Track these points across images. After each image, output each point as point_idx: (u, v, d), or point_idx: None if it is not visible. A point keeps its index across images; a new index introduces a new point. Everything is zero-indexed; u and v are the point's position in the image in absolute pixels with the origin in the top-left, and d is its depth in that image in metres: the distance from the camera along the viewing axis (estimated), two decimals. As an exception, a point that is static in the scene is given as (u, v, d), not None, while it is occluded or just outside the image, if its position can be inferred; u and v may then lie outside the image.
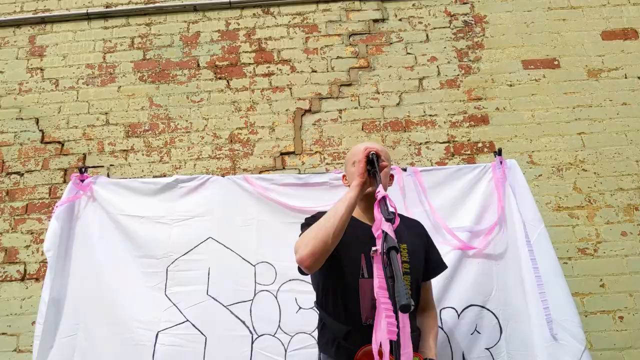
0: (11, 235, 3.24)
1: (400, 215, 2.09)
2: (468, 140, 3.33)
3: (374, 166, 1.88)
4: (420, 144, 3.33)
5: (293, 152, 3.37)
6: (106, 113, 3.51)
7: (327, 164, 3.31)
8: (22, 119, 3.53)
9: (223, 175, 2.93)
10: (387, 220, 1.47)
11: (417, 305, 1.95)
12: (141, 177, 3.31)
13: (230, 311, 2.55)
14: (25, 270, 3.16)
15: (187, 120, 3.47)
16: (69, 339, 2.60)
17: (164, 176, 3.27)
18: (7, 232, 3.25)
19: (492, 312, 2.52)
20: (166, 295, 2.61)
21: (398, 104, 3.44)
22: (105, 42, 3.70)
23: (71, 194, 2.86)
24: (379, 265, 1.43)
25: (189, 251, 2.69)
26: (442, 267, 2.11)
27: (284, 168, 3.32)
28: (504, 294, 2.55)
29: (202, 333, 2.51)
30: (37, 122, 3.51)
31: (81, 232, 2.80)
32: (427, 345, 1.93)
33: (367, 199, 1.95)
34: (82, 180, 2.89)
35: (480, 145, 3.31)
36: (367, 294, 1.83)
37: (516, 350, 2.44)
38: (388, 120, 3.40)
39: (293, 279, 2.59)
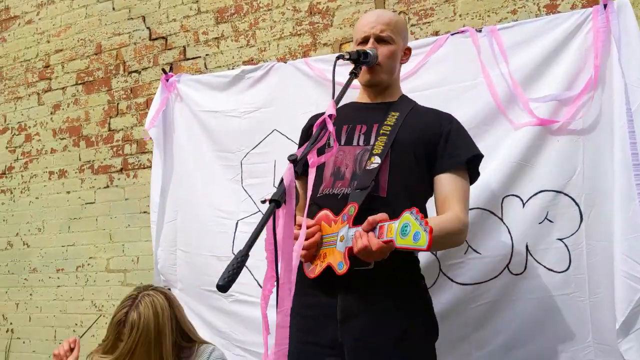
0: (139, 129, 3.67)
1: (412, 104, 1.88)
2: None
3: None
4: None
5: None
6: (197, 1, 3.55)
7: (412, 25, 2.92)
8: (132, 18, 3.78)
9: (293, 59, 2.83)
10: (290, 160, 1.25)
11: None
12: (232, 64, 3.36)
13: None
14: (153, 159, 3.61)
15: (267, -3, 3.33)
16: (171, 223, 2.98)
17: (251, 60, 3.27)
18: (135, 127, 3.69)
19: (571, 197, 2.10)
20: (243, 187, 2.76)
21: None
22: None
23: (163, 94, 3.08)
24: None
25: (258, 144, 2.75)
26: (457, 158, 1.74)
27: (365, 37, 3.03)
28: (590, 175, 2.08)
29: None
30: (144, 20, 3.73)
31: (174, 129, 3.04)
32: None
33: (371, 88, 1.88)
34: (168, 80, 3.07)
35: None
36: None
37: (597, 242, 2.05)
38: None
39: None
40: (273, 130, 2.71)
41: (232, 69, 3.29)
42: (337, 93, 1.60)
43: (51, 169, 4.04)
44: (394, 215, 1.43)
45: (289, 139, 2.64)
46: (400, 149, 1.71)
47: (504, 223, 2.16)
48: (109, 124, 3.83)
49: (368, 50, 1.73)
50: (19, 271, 4.18)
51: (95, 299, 3.82)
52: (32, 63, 4.17)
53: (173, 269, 2.98)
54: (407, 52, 1.93)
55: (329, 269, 1.57)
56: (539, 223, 2.12)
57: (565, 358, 2.06)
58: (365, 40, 1.82)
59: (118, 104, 3.79)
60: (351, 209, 1.58)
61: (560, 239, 2.10)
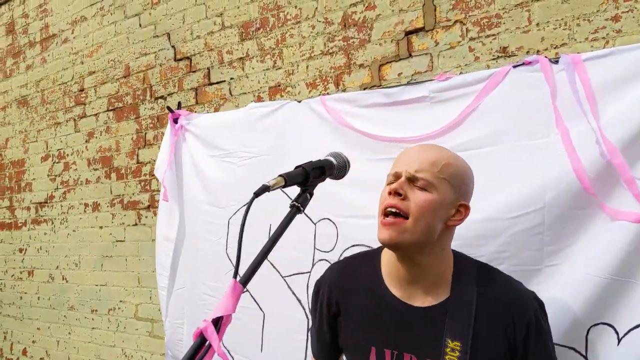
0: (164, 163, 3.23)
1: (482, 280, 1.23)
2: None
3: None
4: None
5: (422, 29, 2.28)
6: (221, 14, 3.00)
7: (470, 39, 2.14)
8: (157, 36, 3.33)
9: (323, 84, 2.19)
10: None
11: None
12: (257, 90, 2.78)
13: (288, 285, 2.00)
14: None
15: (296, 7, 2.69)
16: (180, 291, 2.51)
17: (278, 86, 2.67)
18: (160, 160, 3.26)
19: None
20: (227, 254, 2.20)
21: None
22: None
23: (172, 137, 2.61)
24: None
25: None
26: None
27: (410, 55, 2.29)
28: None
29: (260, 309, 2.07)
30: (169, 38, 3.26)
31: (182, 177, 2.56)
32: None
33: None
34: (175, 120, 2.58)
35: None
36: None
37: None
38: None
39: (357, 245, 1.83)
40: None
41: (258, 96, 2.73)
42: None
43: (86, 200, 3.76)
44: None
45: (290, 197, 2.01)
46: None
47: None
48: (137, 155, 3.44)
49: (329, 158, 1.17)
50: (59, 306, 3.98)
51: (126, 347, 3.49)
52: (68, 86, 3.90)
53: (180, 345, 2.51)
54: (463, 209, 1.23)
55: None
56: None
57: None
58: (392, 181, 1.22)
59: (145, 133, 3.39)
60: None
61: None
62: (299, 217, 1.53)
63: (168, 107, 2.67)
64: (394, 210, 1.14)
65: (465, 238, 1.51)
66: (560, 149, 1.47)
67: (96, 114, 3.71)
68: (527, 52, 1.98)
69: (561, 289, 1.39)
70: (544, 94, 1.55)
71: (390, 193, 1.15)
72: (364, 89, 2.35)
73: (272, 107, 2.21)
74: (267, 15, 2.80)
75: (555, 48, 1.92)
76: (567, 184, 1.45)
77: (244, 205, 2.17)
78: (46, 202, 4.07)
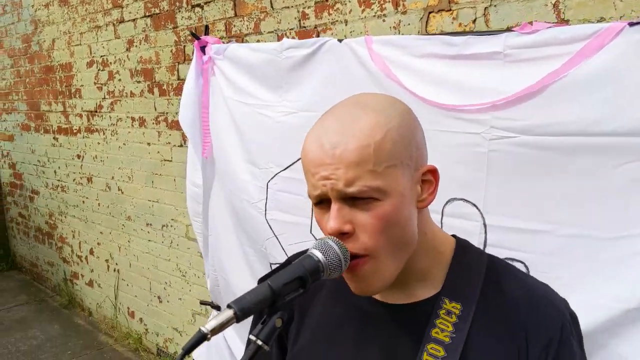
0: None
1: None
2: None
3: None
4: None
5: (441, 9, 1.73)
6: None
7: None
8: None
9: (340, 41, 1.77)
10: None
11: None
12: (302, 4, 2.34)
13: (314, 237, 1.77)
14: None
15: None
16: (212, 239, 2.36)
17: (326, 1, 2.23)
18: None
19: None
20: (266, 220, 1.96)
21: None
22: None
23: (198, 68, 2.28)
24: None
25: (290, 165, 1.87)
26: None
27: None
28: None
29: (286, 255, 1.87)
30: None
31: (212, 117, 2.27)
32: None
33: None
34: (203, 49, 2.23)
35: None
36: None
37: None
38: None
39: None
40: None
41: (302, 12, 2.31)
42: None
43: (132, 114, 3.59)
44: None
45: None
46: None
47: None
48: (178, 71, 3.16)
49: (314, 253, 0.76)
50: (117, 215, 4.04)
51: (180, 263, 3.52)
52: (104, -15, 3.57)
53: (217, 291, 2.42)
54: (431, 175, 0.84)
55: None
56: None
57: None
58: (319, 201, 0.81)
59: (184, 47, 3.06)
60: None
61: None
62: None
63: (192, 34, 2.30)
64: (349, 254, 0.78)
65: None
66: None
67: (134, 19, 3.39)
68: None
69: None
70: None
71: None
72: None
73: (309, 48, 1.80)
74: None
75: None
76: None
77: (284, 170, 1.89)
78: (96, 112, 3.96)
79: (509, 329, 0.81)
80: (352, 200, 0.76)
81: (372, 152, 0.74)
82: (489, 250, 1.27)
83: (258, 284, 0.74)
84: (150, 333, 3.97)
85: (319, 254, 0.75)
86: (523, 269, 1.26)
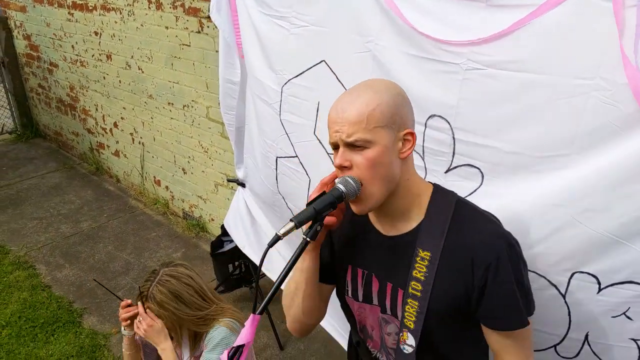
0: None
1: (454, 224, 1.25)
2: None
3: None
4: None
5: None
6: None
7: None
8: None
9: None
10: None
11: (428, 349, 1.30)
12: None
13: (332, 161, 2.16)
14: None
15: None
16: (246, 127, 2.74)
17: None
18: None
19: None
20: (280, 120, 2.32)
21: None
22: None
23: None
24: None
25: (302, 73, 2.16)
26: (499, 322, 1.24)
27: None
28: None
29: (307, 174, 2.27)
30: None
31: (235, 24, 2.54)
32: None
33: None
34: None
35: None
36: (365, 317, 1.43)
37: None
38: None
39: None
40: (321, 61, 2.07)
41: None
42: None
43: (149, -4, 3.77)
44: None
45: (338, 80, 2.04)
46: (437, 320, 1.25)
47: (566, 303, 1.59)
48: (193, -43, 3.30)
49: (339, 187, 1.17)
50: (139, 93, 4.35)
51: (202, 140, 3.92)
52: None
53: (246, 172, 2.87)
54: (410, 136, 1.21)
55: None
56: (612, 317, 1.52)
57: None
58: (334, 147, 1.20)
59: None
60: None
61: (635, 340, 1.51)
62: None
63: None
64: None
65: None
66: (626, 94, 1.37)
67: None
68: None
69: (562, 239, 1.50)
70: (610, 30, 1.38)
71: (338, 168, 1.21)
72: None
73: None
74: None
75: None
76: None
77: (295, 77, 2.22)
78: (111, -10, 4.11)
79: (465, 263, 1.19)
80: (352, 147, 1.15)
81: (365, 118, 1.12)
82: (456, 158, 1.68)
83: (306, 207, 1.15)
84: (177, 199, 4.50)
85: (342, 187, 1.16)
86: (478, 173, 1.66)
